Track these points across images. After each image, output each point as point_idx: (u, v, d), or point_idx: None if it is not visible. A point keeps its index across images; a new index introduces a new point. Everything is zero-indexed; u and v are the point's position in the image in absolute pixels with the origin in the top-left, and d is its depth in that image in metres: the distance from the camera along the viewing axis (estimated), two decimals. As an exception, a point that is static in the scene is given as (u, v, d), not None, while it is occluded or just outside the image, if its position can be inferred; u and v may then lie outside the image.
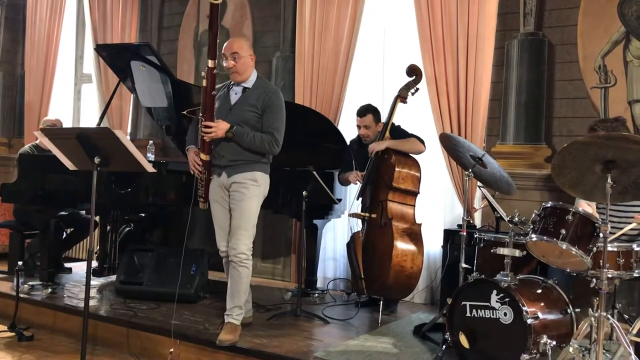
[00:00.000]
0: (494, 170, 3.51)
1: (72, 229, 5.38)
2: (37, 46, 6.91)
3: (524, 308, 2.87)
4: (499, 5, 4.44)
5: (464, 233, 3.51)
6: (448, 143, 3.68)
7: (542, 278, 3.22)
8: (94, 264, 5.01)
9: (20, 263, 4.29)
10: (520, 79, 4.50)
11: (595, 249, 2.88)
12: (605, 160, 2.67)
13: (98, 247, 5.24)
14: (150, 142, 5.32)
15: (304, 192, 4.04)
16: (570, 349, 2.78)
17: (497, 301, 2.98)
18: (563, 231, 2.89)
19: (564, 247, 2.87)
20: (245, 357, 3.38)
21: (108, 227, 5.18)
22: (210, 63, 3.40)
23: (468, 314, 3.08)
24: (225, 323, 3.48)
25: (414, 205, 4.15)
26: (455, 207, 4.60)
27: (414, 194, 4.15)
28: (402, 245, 3.97)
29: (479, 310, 3.04)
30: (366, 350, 3.44)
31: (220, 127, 3.40)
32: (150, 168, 3.38)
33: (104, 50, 5.03)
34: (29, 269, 4.96)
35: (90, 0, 6.49)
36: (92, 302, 4.16)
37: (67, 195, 4.51)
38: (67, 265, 5.43)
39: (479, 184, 4.12)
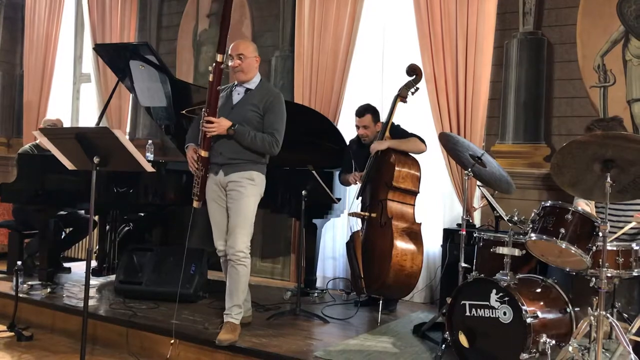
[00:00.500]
0: (494, 169, 3.51)
1: (71, 229, 5.38)
2: (35, 46, 6.90)
3: (523, 307, 2.87)
4: (498, 5, 4.44)
5: (464, 232, 3.51)
6: (447, 142, 3.68)
7: (541, 277, 3.22)
8: (93, 263, 5.02)
9: (19, 263, 4.28)
10: (519, 78, 4.51)
11: (594, 248, 2.88)
12: (604, 160, 2.67)
13: (97, 247, 5.24)
14: (150, 141, 5.32)
15: (303, 192, 4.04)
16: (570, 348, 2.78)
17: (496, 300, 2.98)
18: (562, 230, 2.89)
19: (564, 246, 2.87)
20: (244, 357, 3.38)
21: (107, 227, 5.18)
22: (218, 57, 3.41)
23: (467, 313, 3.08)
24: (225, 322, 3.48)
25: (414, 205, 4.15)
26: (455, 207, 4.61)
27: (414, 193, 4.15)
28: (402, 245, 3.97)
29: (478, 310, 3.04)
30: (366, 350, 3.44)
31: (222, 124, 3.41)
32: (149, 168, 3.38)
33: (102, 50, 5.03)
34: (28, 269, 4.97)
35: (89, 0, 6.49)
36: (91, 302, 4.15)
37: (66, 195, 4.51)
38: (66, 265, 5.44)
39: (478, 183, 4.12)
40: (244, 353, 3.38)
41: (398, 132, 4.26)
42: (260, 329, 3.74)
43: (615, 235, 3.17)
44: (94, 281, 4.94)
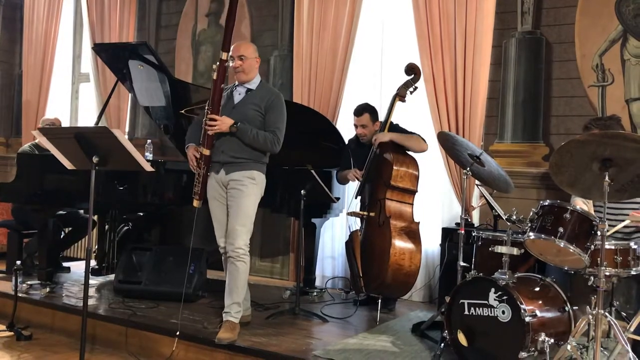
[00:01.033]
0: (492, 168, 3.51)
1: (70, 229, 5.38)
2: (34, 45, 6.90)
3: (522, 306, 2.88)
4: (496, 4, 4.45)
5: (462, 231, 3.52)
6: (446, 142, 3.69)
7: (540, 276, 3.23)
8: (93, 263, 5.02)
9: (18, 262, 4.28)
10: (518, 78, 4.51)
11: (592, 246, 2.89)
12: (602, 159, 2.67)
13: (96, 247, 5.25)
14: (149, 141, 5.32)
15: (302, 191, 4.05)
16: (568, 347, 2.78)
17: (495, 299, 2.98)
18: (561, 229, 2.89)
19: (562, 245, 2.88)
20: (243, 356, 3.38)
21: (106, 227, 5.18)
22: (223, 55, 3.44)
23: (466, 312, 3.08)
24: (224, 321, 3.48)
25: (412, 204, 4.16)
26: (454, 206, 4.61)
27: (412, 192, 4.15)
28: (400, 244, 3.97)
29: (477, 309, 3.04)
30: (365, 349, 3.44)
31: (224, 122, 3.44)
32: (148, 167, 3.38)
33: (101, 50, 5.03)
34: (28, 269, 4.96)
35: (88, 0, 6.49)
36: (90, 302, 4.15)
37: (65, 194, 4.51)
38: (65, 264, 5.44)
39: (477, 182, 4.13)
40: (243, 352, 3.39)
41: (398, 132, 4.26)
42: (260, 328, 3.75)
43: (609, 233, 3.17)
44: (93, 281, 4.94)
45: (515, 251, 3.12)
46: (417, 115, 4.70)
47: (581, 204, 3.50)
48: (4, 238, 5.59)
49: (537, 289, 3.11)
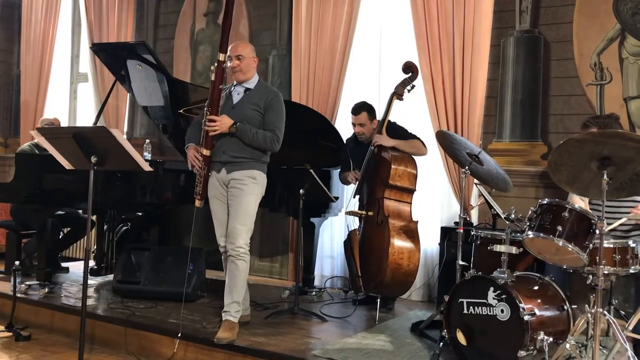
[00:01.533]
0: (491, 167, 3.51)
1: (69, 229, 5.37)
2: (32, 45, 6.89)
3: (520, 305, 2.88)
4: (494, 3, 4.45)
5: (461, 230, 3.52)
6: (444, 140, 3.69)
7: (538, 275, 3.23)
8: (91, 263, 5.01)
9: (17, 263, 4.27)
10: (516, 77, 4.51)
11: (591, 245, 2.89)
12: (601, 157, 2.68)
13: (95, 247, 5.24)
14: (147, 141, 5.31)
15: (301, 190, 4.05)
16: (567, 346, 2.79)
17: (494, 298, 2.98)
18: (559, 228, 2.89)
19: (561, 244, 2.88)
20: (243, 356, 3.38)
21: (105, 227, 5.18)
22: (220, 56, 3.45)
23: (465, 311, 3.09)
24: (223, 321, 3.48)
25: (411, 203, 4.15)
26: (452, 205, 4.61)
27: (411, 191, 4.15)
28: (399, 243, 3.97)
29: (476, 307, 3.05)
30: (364, 348, 3.44)
31: (224, 122, 3.45)
32: (146, 167, 3.38)
33: (100, 49, 5.02)
34: (26, 269, 4.96)
35: (86, -1, 6.49)
36: (89, 302, 4.15)
37: (64, 194, 4.50)
38: (64, 264, 5.44)
39: (475, 181, 4.13)
40: (242, 352, 3.38)
41: (398, 131, 4.25)
42: (259, 328, 3.75)
43: (607, 229, 3.17)
44: (92, 281, 4.93)
45: (514, 250, 3.12)
46: (415, 114, 4.71)
47: (579, 201, 3.51)
48: (3, 238, 5.59)
49: (536, 287, 3.11)
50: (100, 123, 5.11)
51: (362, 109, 4.32)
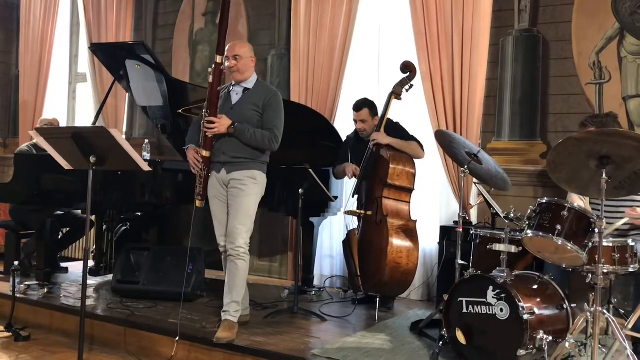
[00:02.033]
0: (490, 166, 3.51)
1: (68, 229, 5.37)
2: (31, 45, 6.89)
3: (520, 304, 2.88)
4: (493, 2, 4.45)
5: (460, 229, 3.52)
6: (443, 140, 3.69)
7: (538, 274, 3.23)
8: (91, 263, 5.01)
9: (16, 263, 4.28)
10: (515, 76, 4.51)
11: (590, 244, 2.89)
12: (600, 156, 2.68)
13: (94, 247, 5.24)
14: (146, 141, 5.30)
15: (300, 190, 4.05)
16: (567, 344, 2.79)
17: (493, 297, 2.99)
18: (558, 227, 2.89)
19: (560, 243, 2.88)
20: (242, 355, 3.38)
21: (104, 227, 5.17)
22: (218, 59, 3.46)
23: (465, 310, 3.09)
24: (223, 321, 3.49)
25: (409, 202, 4.16)
26: (451, 204, 4.61)
27: (409, 190, 4.15)
28: (398, 242, 3.97)
29: (475, 307, 3.05)
30: (363, 347, 3.44)
31: (223, 123, 3.45)
32: (145, 167, 3.38)
33: (98, 49, 5.02)
34: (25, 269, 4.95)
35: (85, -1, 6.49)
36: (88, 302, 4.16)
37: (63, 194, 4.50)
38: (63, 265, 5.43)
39: (474, 180, 4.13)
40: (241, 351, 3.38)
41: (398, 131, 4.25)
42: (258, 328, 3.75)
43: (608, 231, 3.18)
44: (92, 281, 4.93)
45: (513, 249, 3.12)
46: (414, 114, 4.71)
47: (578, 200, 3.51)
48: (2, 239, 5.59)
49: (535, 286, 3.11)
50: (99, 123, 5.10)
51: (364, 105, 4.32)
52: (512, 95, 4.52)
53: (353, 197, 4.34)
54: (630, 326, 2.93)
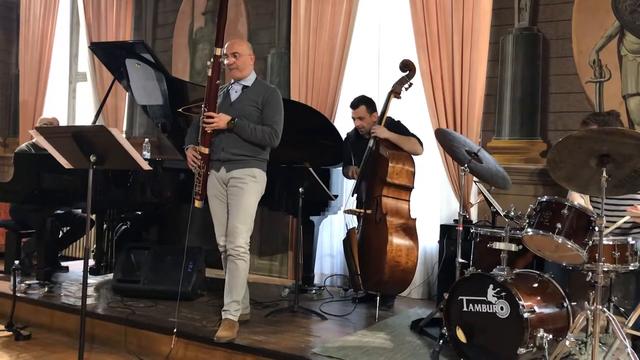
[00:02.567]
0: (490, 165, 3.51)
1: (68, 228, 5.37)
2: (31, 45, 6.89)
3: (520, 302, 2.88)
4: (493, 1, 4.45)
5: (461, 228, 3.52)
6: (444, 138, 3.69)
7: (538, 272, 3.23)
8: (91, 262, 5.01)
9: (16, 262, 4.28)
10: (515, 74, 4.51)
11: (590, 242, 2.89)
12: (600, 154, 2.68)
13: (94, 246, 5.24)
14: (146, 140, 5.31)
15: (300, 189, 4.05)
16: (567, 343, 2.79)
17: (493, 295, 2.99)
18: (559, 225, 2.89)
19: (560, 241, 2.88)
20: (242, 354, 3.39)
21: (104, 226, 5.18)
22: (217, 51, 3.44)
23: (465, 309, 3.09)
24: (223, 320, 3.49)
25: (409, 200, 4.16)
26: (452, 203, 4.61)
27: (409, 188, 4.15)
28: (397, 241, 3.98)
29: (475, 305, 3.05)
30: (364, 346, 3.45)
31: (222, 118, 3.45)
32: (146, 166, 3.38)
33: (98, 49, 5.02)
34: (26, 268, 4.96)
35: (84, -2, 6.48)
36: (89, 301, 4.15)
37: (63, 193, 4.50)
38: (63, 264, 5.43)
39: (474, 179, 4.13)
40: (242, 350, 3.39)
41: (399, 129, 4.26)
42: (259, 326, 3.75)
43: (609, 230, 3.18)
44: (92, 280, 4.93)
45: (513, 247, 3.12)
46: (414, 112, 4.70)
47: (578, 198, 3.51)
48: (2, 238, 5.59)
49: (536, 285, 3.11)
50: (99, 122, 5.09)
51: (361, 102, 4.33)
52: (512, 94, 4.52)
53: (353, 195, 4.34)
54: (630, 324, 2.93)
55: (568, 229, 2.89)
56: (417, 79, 4.32)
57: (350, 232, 4.33)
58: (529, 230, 3.01)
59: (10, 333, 3.96)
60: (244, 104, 3.56)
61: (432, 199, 4.75)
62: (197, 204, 3.58)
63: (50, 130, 3.62)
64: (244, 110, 3.54)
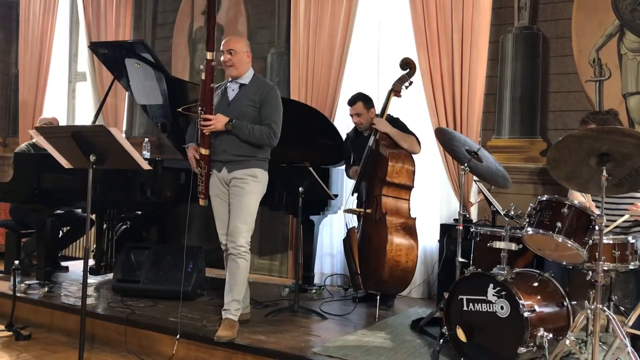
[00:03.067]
0: (490, 164, 3.51)
1: (68, 228, 5.37)
2: (30, 44, 6.88)
3: (520, 301, 2.88)
4: (493, 0, 4.44)
5: (461, 227, 3.52)
6: (443, 137, 3.69)
7: (538, 271, 3.23)
8: (91, 262, 5.01)
9: (16, 262, 4.28)
10: (515, 73, 4.51)
11: (590, 241, 2.89)
12: (600, 153, 2.68)
13: (94, 246, 5.24)
14: (146, 139, 5.31)
15: (300, 189, 4.05)
16: (567, 342, 2.79)
17: (493, 295, 2.99)
18: (559, 224, 2.89)
19: (560, 240, 2.88)
20: (243, 354, 3.39)
21: (104, 225, 5.18)
22: (208, 55, 3.44)
23: (465, 308, 3.09)
24: (223, 319, 3.49)
25: (409, 200, 4.16)
26: (452, 202, 4.61)
27: (408, 188, 4.15)
28: (397, 240, 3.97)
29: (475, 304, 3.05)
30: (364, 345, 3.45)
31: (219, 120, 3.45)
32: (145, 165, 3.37)
33: (98, 48, 5.02)
34: (26, 268, 4.96)
35: (84, -2, 6.48)
36: (89, 301, 4.15)
37: (63, 193, 4.50)
38: (63, 263, 5.43)
39: (475, 178, 4.13)
40: (242, 350, 3.39)
41: (399, 127, 4.25)
42: (259, 326, 3.75)
43: (609, 229, 3.18)
44: (92, 280, 4.93)
45: (513, 246, 3.12)
46: (414, 111, 4.70)
47: (580, 197, 3.51)
48: (2, 238, 5.59)
49: (536, 284, 3.11)
50: (98, 122, 5.10)
51: (358, 99, 4.33)
52: (512, 93, 4.52)
53: (352, 195, 4.34)
54: (630, 323, 2.93)
55: (568, 228, 2.89)
56: (416, 78, 4.32)
57: (350, 232, 4.33)
58: (529, 229, 3.01)
59: (11, 333, 3.96)
60: (242, 104, 3.55)
61: (432, 198, 4.74)
62: (202, 202, 3.61)
63: (50, 130, 3.62)
64: (242, 110, 3.53)
